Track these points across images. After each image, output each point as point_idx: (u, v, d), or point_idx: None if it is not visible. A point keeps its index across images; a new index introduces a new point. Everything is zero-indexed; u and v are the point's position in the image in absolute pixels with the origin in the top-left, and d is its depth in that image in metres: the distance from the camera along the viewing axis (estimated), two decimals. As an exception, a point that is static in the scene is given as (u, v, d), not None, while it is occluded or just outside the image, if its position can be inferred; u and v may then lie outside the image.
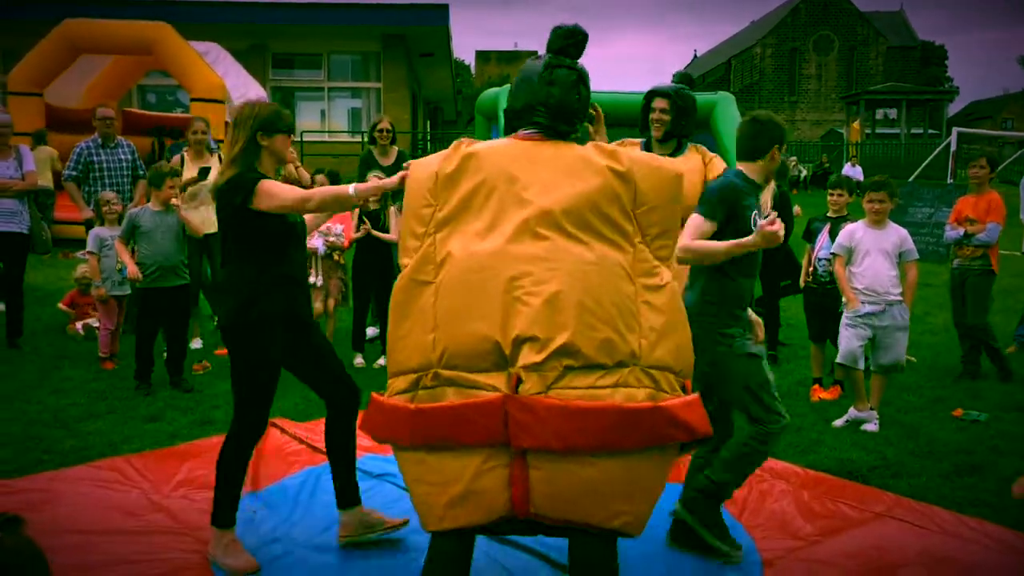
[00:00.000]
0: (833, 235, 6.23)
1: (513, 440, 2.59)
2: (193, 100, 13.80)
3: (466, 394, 2.68)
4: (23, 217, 6.98)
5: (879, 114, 37.28)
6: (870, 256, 5.70)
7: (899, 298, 5.64)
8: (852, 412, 5.78)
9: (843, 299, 5.79)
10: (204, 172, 6.92)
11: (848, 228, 5.87)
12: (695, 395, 2.81)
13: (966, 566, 3.69)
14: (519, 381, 2.63)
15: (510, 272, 2.68)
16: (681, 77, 4.88)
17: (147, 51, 13.94)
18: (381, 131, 7.61)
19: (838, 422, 5.75)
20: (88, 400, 5.86)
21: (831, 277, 6.16)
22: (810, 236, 6.64)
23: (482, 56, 65.22)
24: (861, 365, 5.74)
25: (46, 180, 12.30)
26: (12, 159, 6.93)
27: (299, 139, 21.02)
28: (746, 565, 3.73)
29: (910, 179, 18.87)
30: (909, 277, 5.72)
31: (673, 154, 4.68)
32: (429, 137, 29.91)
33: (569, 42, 3.00)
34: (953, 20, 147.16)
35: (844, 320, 5.77)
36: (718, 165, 4.68)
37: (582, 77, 2.95)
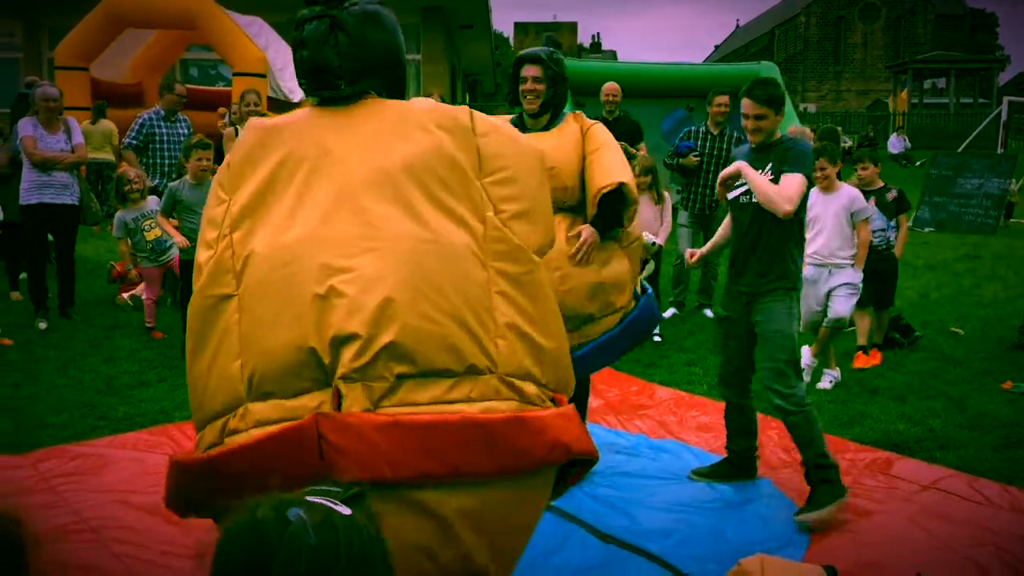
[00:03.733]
0: (880, 205, 6.32)
1: (334, 472, 1.90)
2: (235, 74, 13.88)
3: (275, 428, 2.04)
4: (74, 189, 7.09)
5: (927, 84, 36.52)
6: (819, 221, 5.76)
7: (849, 260, 5.69)
8: (829, 373, 5.93)
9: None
10: None
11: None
12: (570, 407, 2.29)
13: (1016, 538, 3.66)
14: (341, 397, 2.02)
15: (321, 258, 2.09)
16: (550, 40, 4.33)
17: (190, 25, 14.02)
18: None
19: (822, 384, 5.86)
20: (139, 368, 5.97)
21: (888, 244, 6.34)
22: None
23: (521, 28, 64.78)
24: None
25: (107, 154, 12.56)
26: (61, 132, 7.03)
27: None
28: (794, 538, 3.72)
29: (959, 149, 18.50)
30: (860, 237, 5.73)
31: (548, 127, 4.15)
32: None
33: None
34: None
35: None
36: (597, 133, 4.16)
37: (338, 23, 2.29)
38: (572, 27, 65.14)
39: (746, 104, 3.92)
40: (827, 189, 5.73)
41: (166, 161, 7.87)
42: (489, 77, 37.32)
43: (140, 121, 7.96)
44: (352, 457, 1.93)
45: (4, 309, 6.86)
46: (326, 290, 2.06)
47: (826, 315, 5.76)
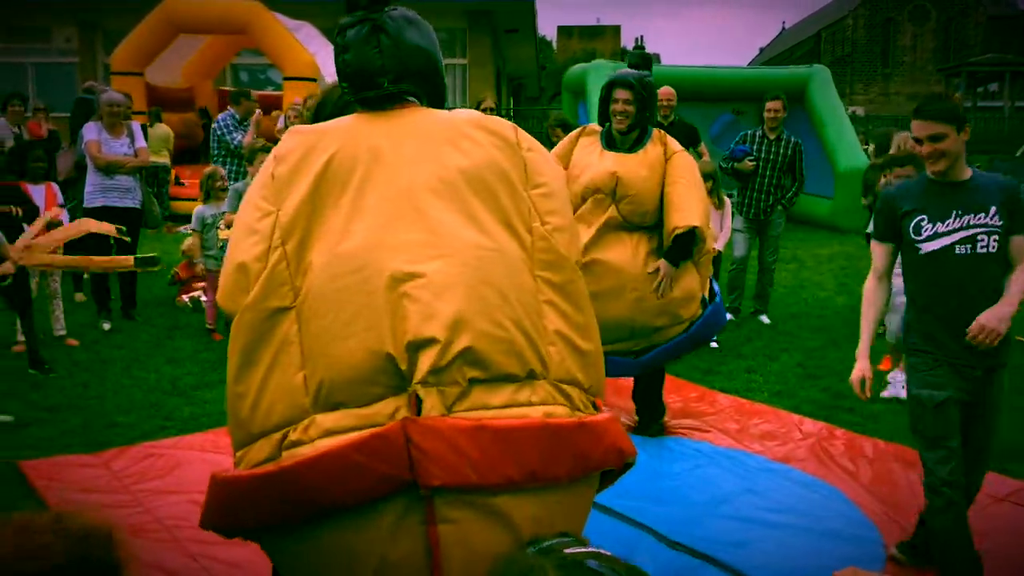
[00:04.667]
0: None
1: (421, 477, 1.89)
2: (286, 79, 14.04)
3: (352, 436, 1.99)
4: (136, 192, 7.22)
5: (979, 87, 35.90)
6: None
7: None
8: (895, 375, 5.80)
9: None
10: None
11: None
12: (612, 412, 2.33)
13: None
14: (420, 401, 1.99)
15: (392, 265, 2.07)
16: (639, 59, 4.54)
17: (242, 30, 14.21)
18: (485, 110, 7.76)
19: (886, 393, 5.75)
20: (201, 370, 6.05)
21: None
22: None
23: (564, 31, 64.70)
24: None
25: (163, 158, 12.77)
26: (125, 137, 7.16)
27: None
28: (870, 551, 3.68)
29: (1017, 153, 18.16)
30: None
31: (635, 146, 4.48)
32: (512, 113, 29.83)
33: None
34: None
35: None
36: (680, 163, 4.43)
37: (379, 26, 2.29)
38: (616, 30, 64.84)
39: (917, 126, 3.23)
40: None
41: (238, 167, 8.07)
42: (533, 80, 37.35)
43: (230, 122, 8.17)
44: (439, 462, 1.91)
45: (69, 310, 6.98)
46: (399, 296, 2.04)
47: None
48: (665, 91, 8.23)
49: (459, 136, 2.28)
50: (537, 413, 2.07)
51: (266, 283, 2.14)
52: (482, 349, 2.04)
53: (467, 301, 2.06)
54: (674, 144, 4.51)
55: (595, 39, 62.15)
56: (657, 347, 4.51)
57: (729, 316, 7.68)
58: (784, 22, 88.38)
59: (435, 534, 1.94)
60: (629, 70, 4.44)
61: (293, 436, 2.05)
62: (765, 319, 7.75)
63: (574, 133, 4.75)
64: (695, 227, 4.33)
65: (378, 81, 2.29)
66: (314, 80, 13.98)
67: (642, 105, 4.35)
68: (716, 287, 4.81)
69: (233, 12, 14.07)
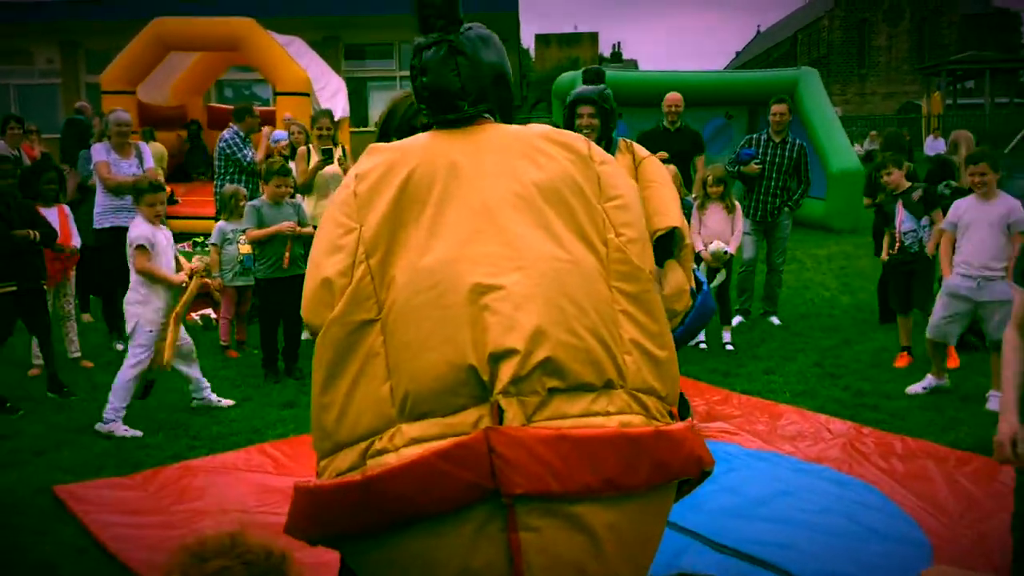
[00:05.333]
0: (908, 206, 6.32)
1: (503, 486, 1.94)
2: (278, 94, 14.02)
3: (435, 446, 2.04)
4: (145, 212, 7.18)
5: (959, 84, 36.30)
6: (971, 229, 5.57)
7: (1001, 272, 5.43)
8: (928, 380, 5.79)
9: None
10: (327, 154, 7.08)
11: (956, 203, 5.79)
12: (689, 420, 2.33)
13: None
14: (501, 411, 2.03)
15: (472, 278, 2.11)
16: (593, 75, 4.64)
17: (234, 47, 14.18)
18: None
19: (912, 388, 5.79)
20: (221, 388, 6.02)
21: (920, 246, 6.28)
22: (886, 218, 6.63)
23: (542, 39, 64.90)
24: (952, 342, 5.79)
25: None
26: (134, 157, 7.13)
27: (372, 128, 21.21)
28: (914, 548, 3.70)
29: (1006, 150, 18.35)
30: (1015, 249, 5.46)
31: None
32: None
33: (428, 12, 2.41)
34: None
35: (940, 292, 5.80)
36: (650, 167, 4.39)
37: (456, 47, 2.35)
38: (593, 37, 65.13)
39: None
40: (986, 196, 5.55)
41: (247, 183, 8.04)
42: (516, 89, 37.44)
43: (237, 139, 8.16)
44: (521, 471, 1.95)
45: (80, 331, 6.93)
46: (480, 309, 2.09)
47: (959, 327, 5.75)
48: (673, 97, 8.26)
49: (534, 151, 2.33)
50: (613, 423, 2.10)
51: (352, 297, 2.18)
52: (561, 359, 2.07)
53: (546, 312, 2.09)
54: (641, 150, 4.53)
55: (573, 47, 62.37)
56: None
57: (740, 318, 7.74)
58: (759, 25, 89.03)
59: (516, 541, 1.97)
60: (588, 86, 4.50)
61: (379, 445, 2.09)
62: (776, 320, 7.80)
63: None
64: (675, 228, 4.37)
65: (458, 104, 2.35)
66: (307, 95, 13.98)
67: (605, 118, 4.36)
68: (700, 275, 4.86)
69: (225, 29, 14.04)
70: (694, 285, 4.68)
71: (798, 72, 15.03)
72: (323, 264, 2.26)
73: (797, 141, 7.80)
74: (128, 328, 5.36)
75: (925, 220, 6.30)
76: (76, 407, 5.66)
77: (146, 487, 4.31)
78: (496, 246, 2.17)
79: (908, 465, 4.55)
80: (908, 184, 6.48)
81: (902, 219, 6.33)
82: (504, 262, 2.14)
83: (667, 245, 4.39)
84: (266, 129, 10.70)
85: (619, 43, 75.06)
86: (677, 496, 2.37)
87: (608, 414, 2.11)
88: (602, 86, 4.48)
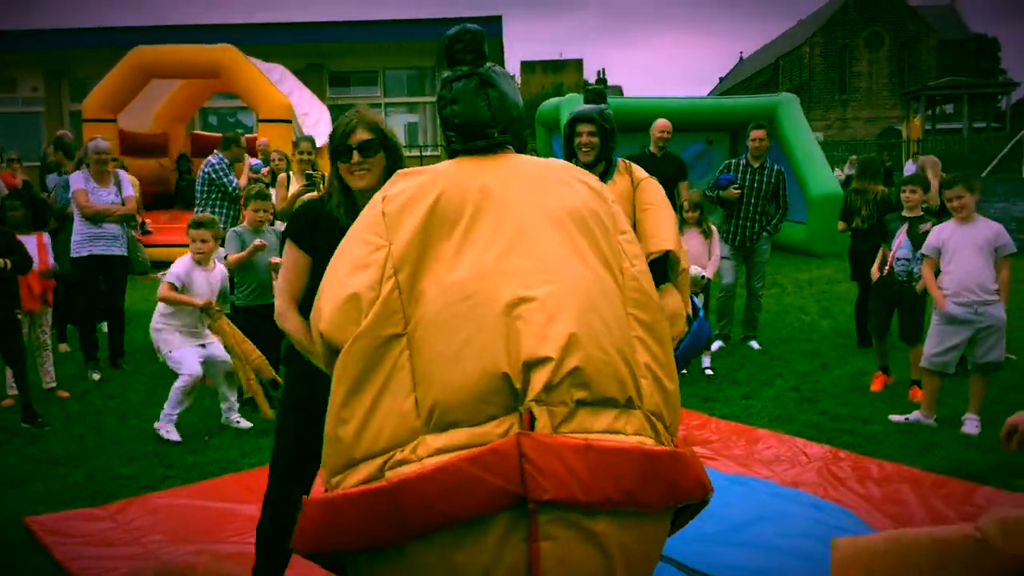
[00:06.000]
0: (911, 235, 6.15)
1: (532, 492, 1.97)
2: (261, 121, 14.05)
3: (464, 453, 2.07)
4: (123, 240, 7.17)
5: (938, 109, 36.67)
6: (957, 253, 5.52)
7: (994, 296, 5.45)
8: (915, 415, 5.73)
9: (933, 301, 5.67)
10: (310, 179, 7.05)
11: (937, 228, 5.76)
12: (691, 447, 2.41)
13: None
14: (533, 418, 2.07)
15: (506, 290, 2.18)
16: (594, 95, 4.68)
17: (215, 74, 14.23)
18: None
19: (895, 417, 5.74)
20: (197, 417, 5.98)
21: (908, 276, 6.15)
22: (886, 235, 6.52)
23: (527, 66, 65.30)
24: (951, 371, 5.68)
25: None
26: (112, 185, 7.12)
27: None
28: None
29: (983, 174, 18.55)
30: (1002, 274, 5.50)
31: (603, 177, 4.48)
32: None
33: (458, 47, 2.57)
34: (1006, 7, 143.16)
35: (933, 322, 5.66)
36: (648, 189, 4.48)
37: (486, 80, 2.51)
38: (578, 64, 65.57)
39: None
40: (965, 220, 5.52)
41: (230, 209, 8.02)
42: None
43: (221, 166, 8.11)
44: (550, 477, 1.99)
45: (56, 361, 6.87)
46: (512, 319, 2.15)
47: (961, 357, 5.68)
48: (662, 123, 8.28)
49: (558, 180, 2.47)
50: (633, 441, 2.15)
51: (380, 311, 2.23)
52: (589, 371, 2.13)
53: (577, 324, 2.16)
54: (639, 172, 4.55)
55: (558, 73, 62.77)
56: None
57: (719, 343, 7.76)
58: (742, 52, 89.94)
59: (537, 550, 2.00)
60: (589, 105, 4.53)
61: (399, 456, 2.11)
62: (755, 344, 7.82)
63: None
64: (669, 251, 4.30)
65: (488, 132, 2.49)
66: (289, 122, 14.02)
67: (605, 137, 4.40)
68: (696, 301, 4.87)
69: (205, 56, 14.09)
70: (690, 311, 4.70)
71: (778, 98, 15.16)
72: (347, 282, 2.30)
73: (775, 166, 7.86)
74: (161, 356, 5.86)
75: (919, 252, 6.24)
76: (50, 438, 5.60)
77: (116, 518, 4.27)
78: (529, 260, 2.25)
79: (884, 489, 4.56)
80: (921, 213, 6.33)
81: (900, 243, 6.26)
82: (536, 275, 2.22)
83: (662, 268, 4.41)
84: (249, 159, 10.75)
85: (603, 69, 75.52)
86: (673, 527, 2.40)
87: (627, 433, 2.17)
88: (603, 106, 4.53)
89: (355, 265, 2.33)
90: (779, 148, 14.25)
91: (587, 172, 2.63)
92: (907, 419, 5.69)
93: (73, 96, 21.87)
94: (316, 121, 15.69)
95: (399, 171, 2.57)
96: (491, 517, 2.00)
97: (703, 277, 6.82)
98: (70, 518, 4.30)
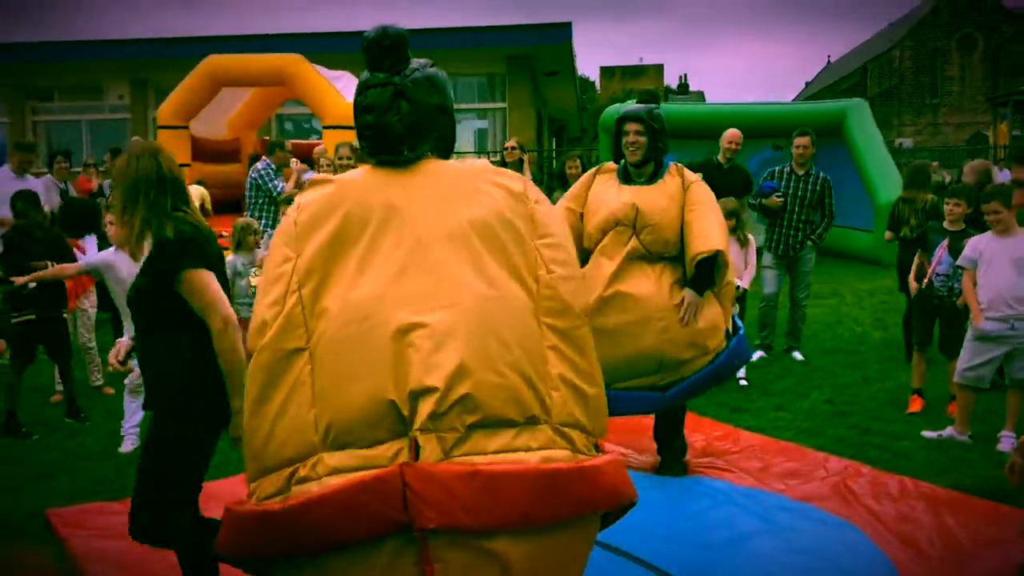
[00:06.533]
0: (952, 251, 5.89)
1: (416, 520, 2.01)
2: (325, 127, 14.32)
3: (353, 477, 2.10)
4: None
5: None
6: (992, 267, 5.34)
7: None
8: (948, 431, 5.53)
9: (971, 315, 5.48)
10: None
11: (974, 239, 5.56)
12: (615, 454, 2.41)
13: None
14: (419, 447, 2.10)
15: (398, 315, 2.18)
16: (648, 95, 4.71)
17: (281, 82, 14.56)
18: (510, 149, 8.70)
19: (928, 433, 5.56)
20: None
21: (949, 292, 5.92)
22: (926, 246, 6.27)
23: (607, 72, 65.12)
24: (986, 385, 5.48)
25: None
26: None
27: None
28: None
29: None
30: None
31: (653, 178, 4.53)
32: (555, 155, 30.07)
33: (376, 52, 2.47)
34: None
35: (968, 336, 5.48)
36: (698, 191, 4.49)
37: (400, 90, 2.43)
38: (658, 69, 65.08)
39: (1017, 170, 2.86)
40: (1004, 232, 5.35)
41: (276, 214, 8.26)
42: (575, 122, 37.61)
43: (269, 171, 8.33)
44: (434, 505, 2.02)
45: (105, 360, 7.13)
46: (403, 345, 2.15)
47: (993, 370, 5.51)
48: (733, 133, 8.11)
49: (469, 189, 2.43)
50: (535, 458, 2.16)
51: (283, 324, 2.28)
52: (481, 396, 2.14)
53: (468, 350, 2.16)
54: (691, 175, 4.58)
55: (638, 78, 62.38)
56: (684, 381, 4.50)
57: (760, 353, 7.63)
58: (829, 56, 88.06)
59: (431, 573, 2.04)
60: (638, 105, 4.54)
61: (302, 472, 2.18)
62: (798, 355, 7.66)
63: (590, 172, 4.81)
64: (718, 251, 4.36)
65: (399, 148, 2.45)
66: (353, 128, 14.24)
67: (653, 136, 4.43)
68: (738, 320, 4.83)
69: (272, 65, 14.43)
70: (729, 327, 4.67)
71: (848, 103, 14.82)
72: (262, 302, 2.37)
73: (820, 174, 7.70)
74: None
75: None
76: (90, 432, 5.84)
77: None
78: (424, 283, 2.24)
79: (899, 505, 4.43)
80: (964, 226, 6.06)
81: (940, 259, 6.06)
82: (431, 299, 2.22)
83: (709, 271, 4.40)
84: (296, 164, 11.00)
85: (685, 75, 74.84)
86: (603, 524, 2.42)
87: (530, 449, 2.18)
88: (652, 106, 4.56)
89: (271, 278, 2.39)
90: (848, 154, 13.94)
91: (509, 173, 2.57)
92: (940, 435, 5.52)
93: (157, 103, 22.57)
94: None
95: (312, 177, 2.59)
96: (380, 541, 2.06)
97: (738, 287, 6.71)
98: (89, 511, 4.47)
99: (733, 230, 6.90)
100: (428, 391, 2.10)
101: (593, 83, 65.21)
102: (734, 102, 17.05)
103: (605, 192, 4.60)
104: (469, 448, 2.12)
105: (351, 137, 13.97)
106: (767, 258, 7.70)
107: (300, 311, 2.28)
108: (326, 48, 17.16)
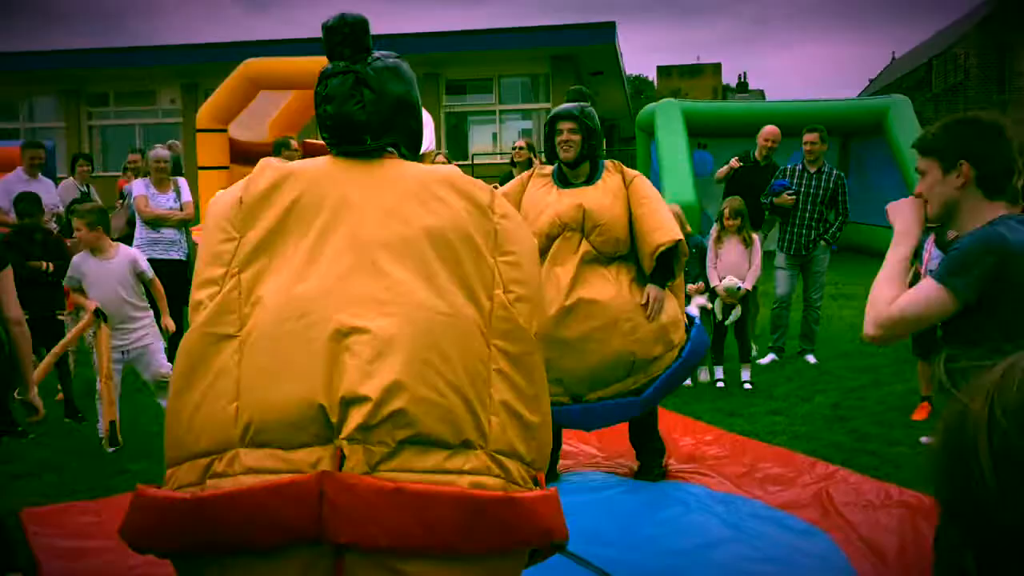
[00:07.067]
0: (938, 243, 5.68)
1: (329, 532, 1.91)
2: (361, 128, 14.48)
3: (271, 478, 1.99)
4: (182, 245, 7.54)
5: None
6: None
7: None
8: None
9: None
10: None
11: None
12: (552, 489, 2.25)
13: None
14: (343, 457, 2.00)
15: (339, 317, 2.07)
16: (577, 94, 4.63)
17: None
18: (516, 148, 8.22)
19: (928, 440, 5.32)
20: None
21: None
22: (918, 253, 6.08)
23: (664, 71, 64.70)
24: None
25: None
26: (171, 191, 7.50)
27: (470, 161, 21.60)
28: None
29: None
30: None
31: (590, 179, 4.43)
32: (604, 155, 29.96)
33: (336, 40, 2.35)
34: None
35: None
36: (641, 186, 4.39)
37: (362, 78, 2.32)
38: (716, 68, 64.49)
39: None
40: None
41: None
42: (627, 122, 37.37)
43: None
44: (348, 521, 1.92)
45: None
46: (340, 349, 2.05)
47: None
48: (770, 130, 7.95)
49: (430, 195, 2.28)
50: (464, 482, 2.04)
51: (216, 309, 2.17)
52: (415, 413, 2.02)
53: (408, 363, 2.04)
54: (630, 171, 4.49)
55: (695, 77, 61.82)
56: (656, 380, 4.41)
57: (772, 356, 7.45)
58: (894, 52, 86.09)
59: None
60: (569, 103, 4.46)
61: (218, 466, 2.06)
62: (811, 359, 7.47)
63: (525, 174, 4.73)
64: (679, 240, 4.29)
65: (361, 137, 2.33)
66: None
67: (587, 135, 4.33)
68: (691, 311, 4.77)
69: (308, 68, 14.57)
70: (685, 319, 4.60)
71: (889, 100, 14.47)
72: (199, 277, 2.26)
73: (834, 171, 7.51)
74: None
75: None
76: (86, 431, 5.93)
77: (100, 513, 4.46)
78: (371, 288, 2.13)
79: (877, 514, 4.28)
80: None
81: (930, 254, 5.89)
82: (376, 305, 2.10)
83: (670, 263, 4.33)
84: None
85: (744, 73, 73.97)
86: (530, 561, 2.29)
87: (461, 473, 2.06)
88: (584, 103, 4.48)
89: (209, 256, 2.27)
90: (890, 151, 13.59)
91: (477, 183, 2.43)
92: None
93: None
94: (422, 124, 16.02)
95: (265, 160, 2.45)
96: (294, 549, 1.96)
97: (739, 288, 6.57)
98: (62, 511, 4.53)
99: (738, 230, 6.77)
100: (360, 400, 2.00)
101: (651, 82, 64.79)
102: (782, 100, 16.67)
103: (542, 196, 4.47)
104: (397, 464, 2.01)
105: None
106: (780, 258, 7.53)
107: (237, 296, 2.18)
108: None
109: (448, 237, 2.22)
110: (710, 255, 6.70)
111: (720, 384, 6.77)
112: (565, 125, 4.35)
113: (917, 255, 5.93)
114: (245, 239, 2.22)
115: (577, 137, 4.32)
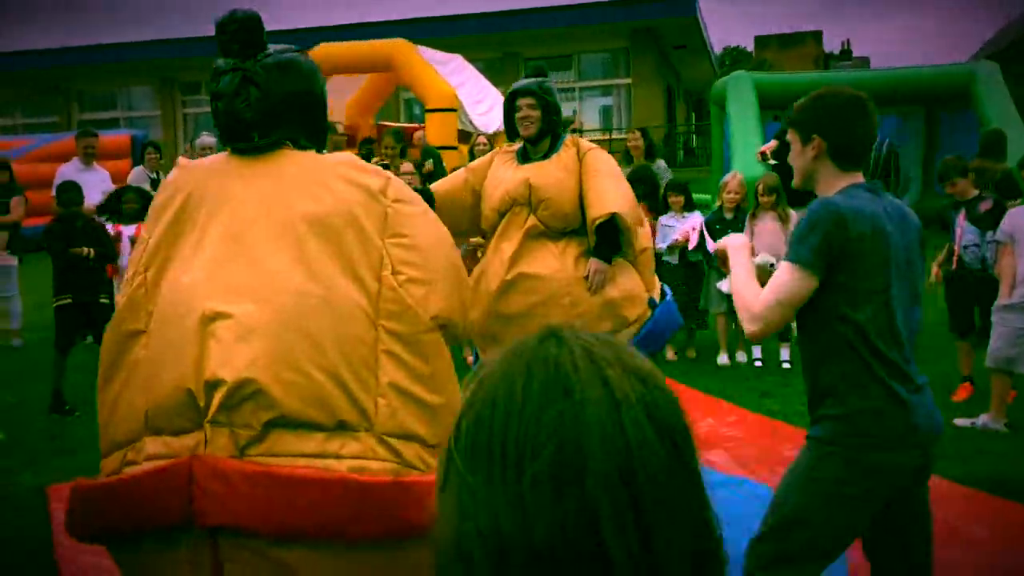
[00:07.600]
0: (970, 217, 5.52)
1: (198, 516, 1.95)
2: (428, 110, 14.57)
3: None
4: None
5: None
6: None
7: None
8: (982, 419, 5.12)
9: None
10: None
11: (1011, 212, 5.12)
12: None
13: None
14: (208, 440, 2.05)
15: (206, 303, 2.13)
16: (535, 70, 4.48)
17: (387, 67, 14.90)
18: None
19: (960, 421, 5.17)
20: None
21: (983, 264, 5.50)
22: (946, 226, 5.88)
23: (761, 41, 62.97)
24: (1020, 368, 5.02)
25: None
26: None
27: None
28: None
29: None
30: None
31: (549, 152, 4.32)
32: (694, 130, 29.47)
33: (223, 38, 2.38)
34: None
35: (994, 315, 5.11)
36: (593, 159, 4.25)
37: (249, 77, 2.34)
38: (817, 36, 62.38)
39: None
40: None
41: None
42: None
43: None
44: (214, 503, 1.96)
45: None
46: (206, 334, 2.11)
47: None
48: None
49: (314, 183, 2.32)
50: (344, 466, 2.05)
51: (127, 306, 2.29)
52: (275, 394, 2.04)
53: (269, 346, 2.07)
54: (586, 144, 4.38)
55: (792, 48, 60.00)
56: None
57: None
58: (1008, 15, 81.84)
59: (217, 572, 2.01)
60: (528, 79, 4.39)
61: (130, 455, 2.17)
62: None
63: (491, 153, 4.70)
64: (614, 214, 4.13)
65: (248, 134, 2.37)
66: (454, 111, 14.45)
67: (546, 110, 4.26)
68: (667, 289, 4.62)
69: (377, 51, 14.80)
70: (656, 296, 4.50)
71: (975, 66, 13.81)
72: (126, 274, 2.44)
73: (887, 140, 7.22)
74: None
75: (991, 235, 5.49)
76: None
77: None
78: (241, 274, 2.18)
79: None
80: (976, 192, 5.71)
81: (963, 231, 5.67)
82: (243, 291, 2.15)
83: (611, 236, 4.24)
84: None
85: (847, 40, 71.49)
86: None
87: (340, 457, 2.07)
88: (543, 79, 4.43)
89: (131, 259, 2.43)
90: (975, 119, 12.98)
91: (372, 169, 2.45)
92: (974, 424, 5.11)
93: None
94: (489, 109, 16.05)
95: (180, 158, 2.55)
96: (182, 532, 2.01)
97: (772, 265, 6.36)
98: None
99: (773, 206, 6.59)
100: (219, 383, 2.04)
101: (750, 53, 63.20)
102: (903, 66, 15.92)
103: (502, 173, 4.42)
104: (267, 448, 2.04)
105: (451, 119, 14.24)
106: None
107: (143, 293, 2.27)
108: (434, 33, 17.41)
109: (330, 222, 2.24)
110: (746, 233, 6.53)
111: (758, 363, 6.62)
112: (524, 101, 4.29)
113: (950, 230, 5.72)
114: (151, 240, 2.33)
115: (536, 113, 4.25)
